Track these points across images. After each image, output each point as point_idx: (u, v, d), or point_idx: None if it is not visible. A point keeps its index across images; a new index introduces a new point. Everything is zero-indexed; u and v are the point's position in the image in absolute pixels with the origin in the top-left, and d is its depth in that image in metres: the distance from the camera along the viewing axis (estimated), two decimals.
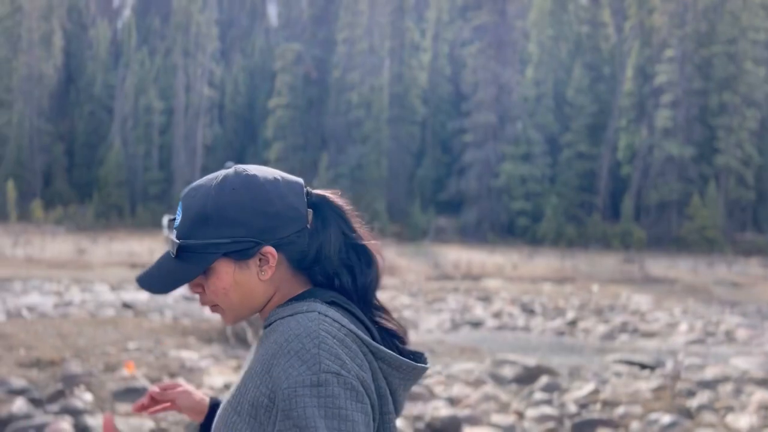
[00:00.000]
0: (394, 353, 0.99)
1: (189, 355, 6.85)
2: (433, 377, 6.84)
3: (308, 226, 1.02)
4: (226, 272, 0.99)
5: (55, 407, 4.90)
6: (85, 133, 46.01)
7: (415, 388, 6.08)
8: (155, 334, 7.86)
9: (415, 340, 9.42)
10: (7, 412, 4.62)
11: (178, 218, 1.02)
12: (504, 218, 41.12)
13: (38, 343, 6.86)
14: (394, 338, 1.04)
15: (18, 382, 5.33)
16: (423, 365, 1.04)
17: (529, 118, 41.90)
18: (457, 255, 24.91)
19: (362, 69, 42.26)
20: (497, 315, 12.83)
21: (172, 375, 5.81)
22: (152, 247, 20.89)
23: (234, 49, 53.42)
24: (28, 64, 43.63)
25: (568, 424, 5.68)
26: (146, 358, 6.48)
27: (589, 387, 6.79)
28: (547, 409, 5.96)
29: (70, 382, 5.45)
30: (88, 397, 5.13)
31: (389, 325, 1.05)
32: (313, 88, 44.40)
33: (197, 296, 1.05)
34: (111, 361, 6.20)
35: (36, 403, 4.96)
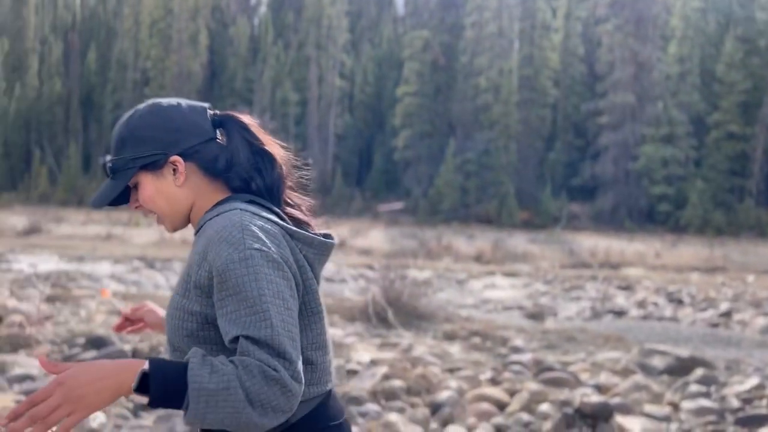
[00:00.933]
0: (305, 232, 1.20)
1: (334, 332, 7.17)
2: (577, 364, 6.66)
3: (219, 139, 1.23)
4: (147, 182, 1.21)
5: None
6: None
7: (560, 374, 5.96)
8: None
9: (554, 327, 9.21)
10: None
11: (111, 147, 1.24)
12: (643, 204, 38.84)
13: None
14: (302, 225, 1.25)
15: None
16: (331, 240, 1.26)
17: (671, 97, 39.13)
18: (592, 242, 23.95)
19: (491, 53, 41.56)
20: (641, 304, 12.20)
21: None
22: None
23: (363, 39, 54.56)
24: (179, 63, 47.34)
25: (730, 418, 5.31)
26: None
27: (752, 381, 6.30)
28: (705, 402, 5.61)
29: None
30: None
31: (298, 215, 1.25)
32: (441, 75, 44.31)
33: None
34: None
35: None
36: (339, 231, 22.82)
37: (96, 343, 6.11)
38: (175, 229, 1.30)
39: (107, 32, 57.63)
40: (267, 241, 1.11)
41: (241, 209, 1.16)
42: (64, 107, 53.20)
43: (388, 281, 8.05)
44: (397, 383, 4.95)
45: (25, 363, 5.42)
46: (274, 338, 1.02)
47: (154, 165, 1.20)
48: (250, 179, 1.23)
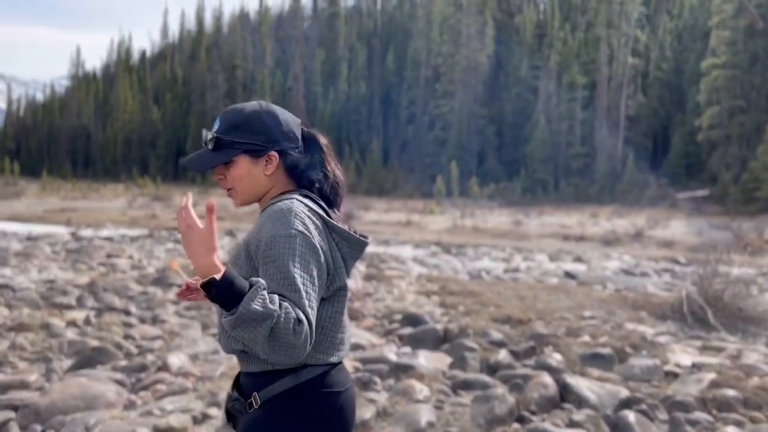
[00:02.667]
0: (343, 228, 1.41)
1: (643, 329, 6.68)
2: None
3: (301, 149, 1.50)
4: (243, 164, 1.45)
5: (530, 362, 5.35)
6: (513, 113, 49.47)
7: None
8: (605, 304, 7.91)
9: None
10: (495, 360, 5.25)
11: (216, 125, 1.48)
12: None
13: (503, 302, 7.63)
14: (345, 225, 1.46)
15: (496, 335, 6.01)
16: (364, 239, 1.47)
17: None
18: None
19: None
20: None
21: (634, 347, 5.73)
22: (581, 220, 21.29)
23: (659, 12, 49.87)
24: (467, 57, 49.01)
25: None
26: (603, 327, 6.56)
27: None
28: None
29: (540, 340, 5.89)
30: (558, 356, 5.45)
31: (340, 218, 1.48)
32: (758, 42, 38.22)
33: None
34: (572, 326, 6.47)
35: (514, 355, 5.51)
36: (633, 221, 21.26)
37: (411, 320, 6.63)
38: (242, 205, 1.52)
39: (403, 34, 62.39)
40: (310, 227, 1.34)
41: (297, 199, 1.40)
42: (368, 106, 59.24)
43: (706, 278, 7.21)
44: (730, 393, 4.39)
45: (357, 333, 6.12)
46: (300, 301, 1.26)
47: (256, 153, 1.45)
48: (316, 183, 1.48)
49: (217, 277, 1.24)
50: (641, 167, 41.39)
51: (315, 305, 1.30)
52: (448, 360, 5.39)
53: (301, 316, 1.24)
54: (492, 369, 5.15)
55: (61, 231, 16.53)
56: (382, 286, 8.95)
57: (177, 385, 4.43)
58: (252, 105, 1.50)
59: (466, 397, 4.45)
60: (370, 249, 14.65)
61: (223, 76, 71.86)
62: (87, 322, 6.26)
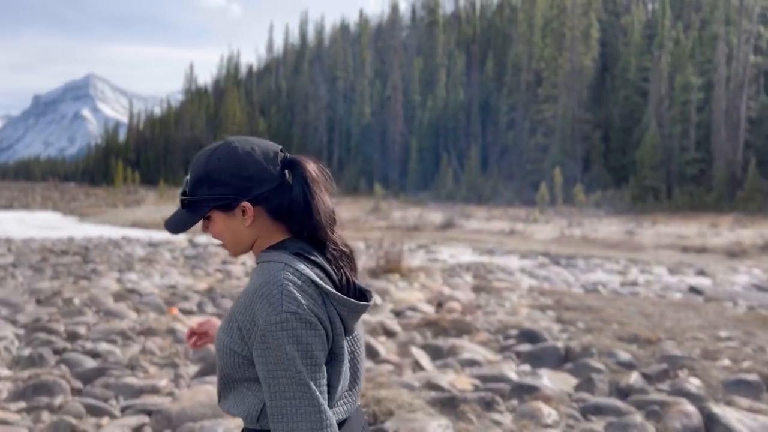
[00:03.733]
0: (340, 294, 1.29)
1: None
2: None
3: (287, 179, 1.33)
4: (219, 219, 1.33)
5: (665, 386, 4.94)
6: (620, 117, 47.32)
7: None
8: (741, 324, 7.25)
9: None
10: (626, 384, 4.88)
11: (186, 180, 1.36)
12: None
13: (627, 319, 7.16)
14: (351, 284, 1.35)
15: (623, 356, 5.61)
16: (364, 303, 1.33)
17: None
18: None
19: None
20: None
21: None
22: (700, 231, 19.86)
23: None
24: (571, 60, 47.49)
25: None
26: (744, 350, 5.98)
27: None
28: None
29: (673, 363, 5.44)
30: (696, 381, 5.00)
31: (344, 267, 1.35)
32: None
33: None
34: (707, 348, 5.94)
35: (646, 378, 5.11)
36: (760, 231, 19.56)
37: (528, 336, 6.35)
38: (236, 255, 1.41)
39: (503, 39, 61.48)
40: (303, 302, 1.23)
41: (285, 264, 1.27)
42: (466, 113, 58.77)
43: None
44: None
45: (471, 348, 5.93)
46: (310, 409, 1.20)
47: (227, 206, 1.31)
48: (306, 224, 1.33)
49: None
50: (765, 172, 38.31)
51: (324, 385, 1.24)
52: (573, 381, 5.09)
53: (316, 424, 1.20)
54: (623, 393, 4.80)
55: (179, 237, 17.44)
56: (492, 299, 8.69)
57: None
58: (214, 151, 1.34)
59: (597, 424, 4.15)
60: (476, 259, 14.34)
61: (325, 87, 73.81)
62: None
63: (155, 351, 5.38)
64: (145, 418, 4.01)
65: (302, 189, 1.32)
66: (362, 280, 9.31)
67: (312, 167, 1.35)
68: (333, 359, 1.29)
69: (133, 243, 16.69)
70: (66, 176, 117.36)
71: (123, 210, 34.12)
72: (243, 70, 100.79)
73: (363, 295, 1.36)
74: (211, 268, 11.29)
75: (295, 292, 1.23)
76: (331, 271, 1.33)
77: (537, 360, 5.67)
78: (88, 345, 5.66)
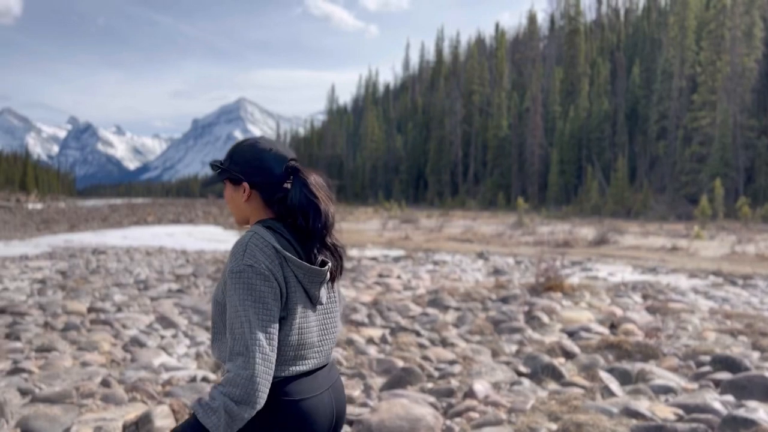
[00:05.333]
0: (294, 257, 1.56)
1: None
2: None
3: (287, 182, 1.63)
4: (229, 189, 1.68)
5: None
6: None
7: None
8: None
9: None
10: None
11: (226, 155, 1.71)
12: None
13: None
14: (314, 256, 1.61)
15: None
16: (318, 268, 1.58)
17: None
18: None
19: None
20: None
21: None
22: None
23: None
24: (731, 62, 43.75)
25: None
26: None
27: None
28: None
29: None
30: None
31: (320, 256, 1.62)
32: None
33: None
34: None
35: None
36: None
37: (726, 363, 5.81)
38: (238, 224, 1.73)
39: (651, 45, 58.07)
40: (261, 258, 1.50)
41: (255, 232, 1.57)
42: (611, 123, 56.03)
43: None
44: None
45: (661, 374, 5.54)
46: (240, 348, 1.44)
47: (235, 181, 1.66)
48: (296, 215, 1.60)
49: None
50: None
51: (273, 330, 1.48)
52: None
53: (241, 372, 1.43)
54: None
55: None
56: (671, 321, 8.09)
57: (491, 415, 4.35)
58: (247, 140, 1.70)
59: None
60: (639, 277, 13.48)
61: (461, 102, 73.85)
62: (383, 340, 6.59)
63: (342, 361, 5.56)
64: (347, 428, 4.14)
65: (300, 191, 1.60)
66: (522, 298, 9.05)
67: (312, 176, 1.64)
68: (287, 315, 1.54)
69: None
70: (220, 193, 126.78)
71: None
72: (380, 88, 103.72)
73: (321, 264, 1.62)
74: (369, 281, 11.57)
75: (256, 251, 1.52)
76: (295, 243, 1.59)
77: (741, 390, 5.16)
78: None
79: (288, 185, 1.62)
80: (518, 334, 7.08)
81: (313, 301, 1.59)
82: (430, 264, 14.85)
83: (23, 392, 4.94)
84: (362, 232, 26.60)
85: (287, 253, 1.53)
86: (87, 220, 39.29)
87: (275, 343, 1.47)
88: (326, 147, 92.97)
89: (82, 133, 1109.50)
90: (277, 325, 1.49)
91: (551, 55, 75.38)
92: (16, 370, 5.46)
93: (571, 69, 63.05)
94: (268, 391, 1.45)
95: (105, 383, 5.13)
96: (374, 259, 15.97)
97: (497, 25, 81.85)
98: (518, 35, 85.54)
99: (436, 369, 5.55)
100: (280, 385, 1.52)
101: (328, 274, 1.62)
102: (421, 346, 6.32)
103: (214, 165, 1.72)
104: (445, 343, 6.57)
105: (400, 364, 5.47)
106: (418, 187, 77.78)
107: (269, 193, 1.62)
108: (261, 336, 1.45)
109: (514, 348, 6.41)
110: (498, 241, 21.77)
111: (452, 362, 5.68)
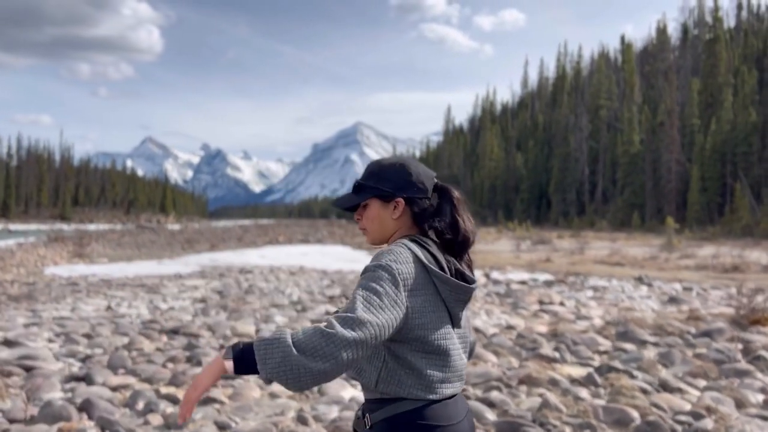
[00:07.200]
0: (441, 272, 1.50)
1: None
2: None
3: (430, 199, 1.60)
4: (375, 206, 1.61)
5: None
6: None
7: None
8: None
9: None
10: None
11: (362, 174, 1.65)
12: None
13: None
14: (460, 273, 1.56)
15: None
16: (466, 284, 1.53)
17: None
18: None
19: None
20: None
21: None
22: None
23: None
24: None
25: None
26: None
27: None
28: None
29: None
30: None
31: (460, 268, 1.57)
32: None
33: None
34: None
35: None
36: None
37: None
38: (373, 243, 1.65)
39: None
40: (400, 262, 1.45)
41: (404, 244, 1.52)
42: (760, 136, 51.14)
43: None
44: None
45: None
46: (349, 307, 1.39)
47: (385, 197, 1.59)
48: (439, 229, 1.57)
49: (229, 356, 1.37)
50: None
51: (381, 315, 1.37)
52: None
53: (332, 320, 1.36)
54: None
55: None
56: None
57: None
58: (390, 158, 1.66)
59: None
60: None
61: (587, 117, 70.80)
62: (591, 381, 5.73)
63: (560, 407, 4.78)
64: None
65: (449, 207, 1.58)
66: (728, 333, 7.79)
67: (457, 193, 1.62)
68: (432, 334, 1.48)
69: None
70: (344, 215, 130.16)
71: None
72: (498, 107, 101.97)
73: (465, 280, 1.56)
74: (532, 308, 10.69)
75: (398, 255, 1.46)
76: (441, 258, 1.53)
77: None
78: None
79: (435, 202, 1.61)
80: (749, 378, 5.96)
81: (454, 322, 1.55)
82: (589, 290, 13.67)
83: (220, 426, 4.61)
84: (496, 253, 25.61)
85: (433, 267, 1.50)
86: (224, 240, 41.17)
87: (374, 320, 1.37)
88: (443, 167, 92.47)
89: (213, 159, 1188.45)
90: (385, 315, 1.40)
91: (686, 66, 70.65)
92: (207, 400, 5.18)
93: (711, 79, 58.58)
94: (336, 372, 1.34)
95: (301, 420, 4.70)
96: (524, 282, 15.02)
97: (623, 38, 78.00)
98: (647, 47, 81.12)
99: (676, 421, 4.63)
100: (426, 409, 1.47)
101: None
102: (643, 391, 5.40)
103: (359, 185, 1.64)
104: (666, 387, 5.60)
105: (634, 414, 4.61)
106: (540, 207, 75.21)
107: (420, 209, 1.60)
108: (372, 312, 1.37)
109: (760, 398, 5.33)
110: (653, 264, 19.99)
111: (696, 415, 4.72)
